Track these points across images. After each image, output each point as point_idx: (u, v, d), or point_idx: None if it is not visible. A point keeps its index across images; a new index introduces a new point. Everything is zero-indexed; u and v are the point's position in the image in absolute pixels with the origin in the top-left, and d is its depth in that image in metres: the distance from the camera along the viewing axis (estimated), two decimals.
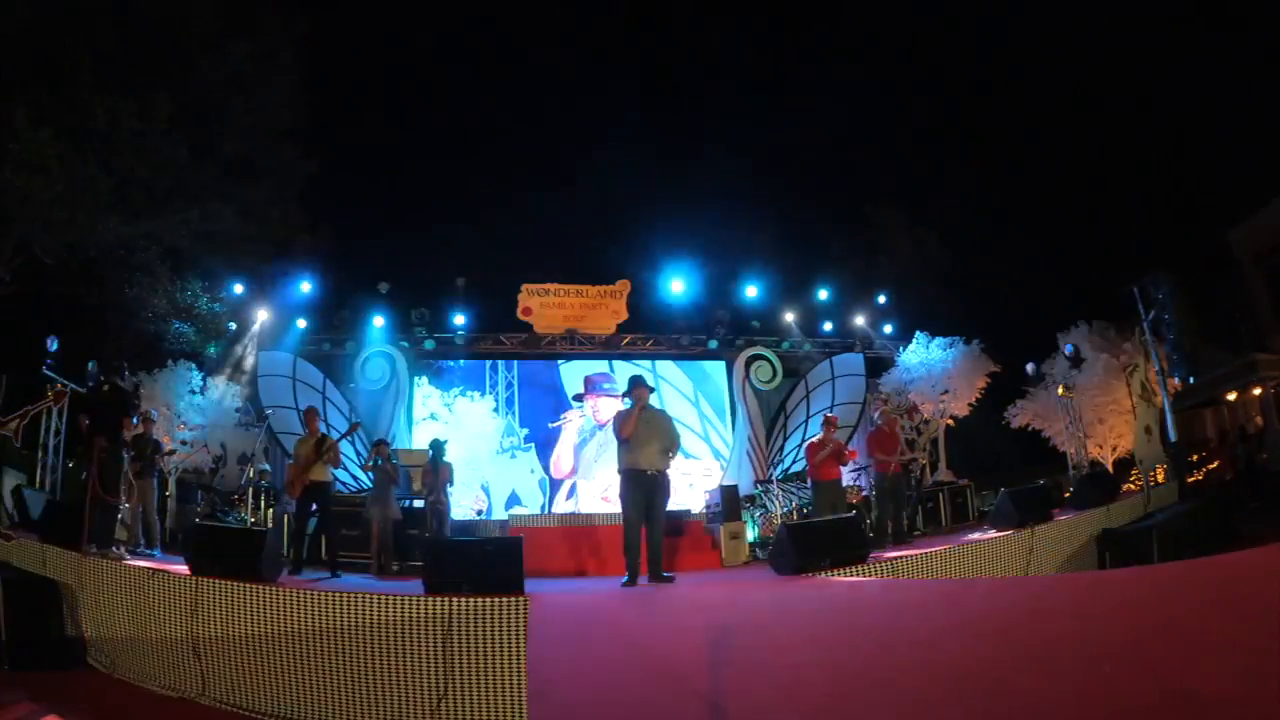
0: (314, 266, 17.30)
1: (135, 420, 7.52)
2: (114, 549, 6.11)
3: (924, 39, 28.75)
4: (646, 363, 14.48)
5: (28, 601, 4.65)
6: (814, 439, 8.36)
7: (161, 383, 10.93)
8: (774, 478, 11.84)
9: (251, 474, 10.28)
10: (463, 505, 12.66)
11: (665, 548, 6.35)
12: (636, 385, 6.20)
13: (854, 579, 4.99)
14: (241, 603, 3.61)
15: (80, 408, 7.12)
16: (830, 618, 3.67)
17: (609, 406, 13.56)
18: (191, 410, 11.08)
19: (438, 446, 8.83)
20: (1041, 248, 20.31)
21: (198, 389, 11.32)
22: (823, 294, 15.45)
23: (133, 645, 4.13)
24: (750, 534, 9.89)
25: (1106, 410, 12.02)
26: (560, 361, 14.54)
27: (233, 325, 13.16)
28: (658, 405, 6.35)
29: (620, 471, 6.10)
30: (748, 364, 14.44)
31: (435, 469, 8.66)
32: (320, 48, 13.72)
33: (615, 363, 14.55)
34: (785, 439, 13.89)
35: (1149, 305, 9.53)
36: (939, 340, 13.29)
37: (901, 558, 5.38)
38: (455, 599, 3.05)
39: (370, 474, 8.74)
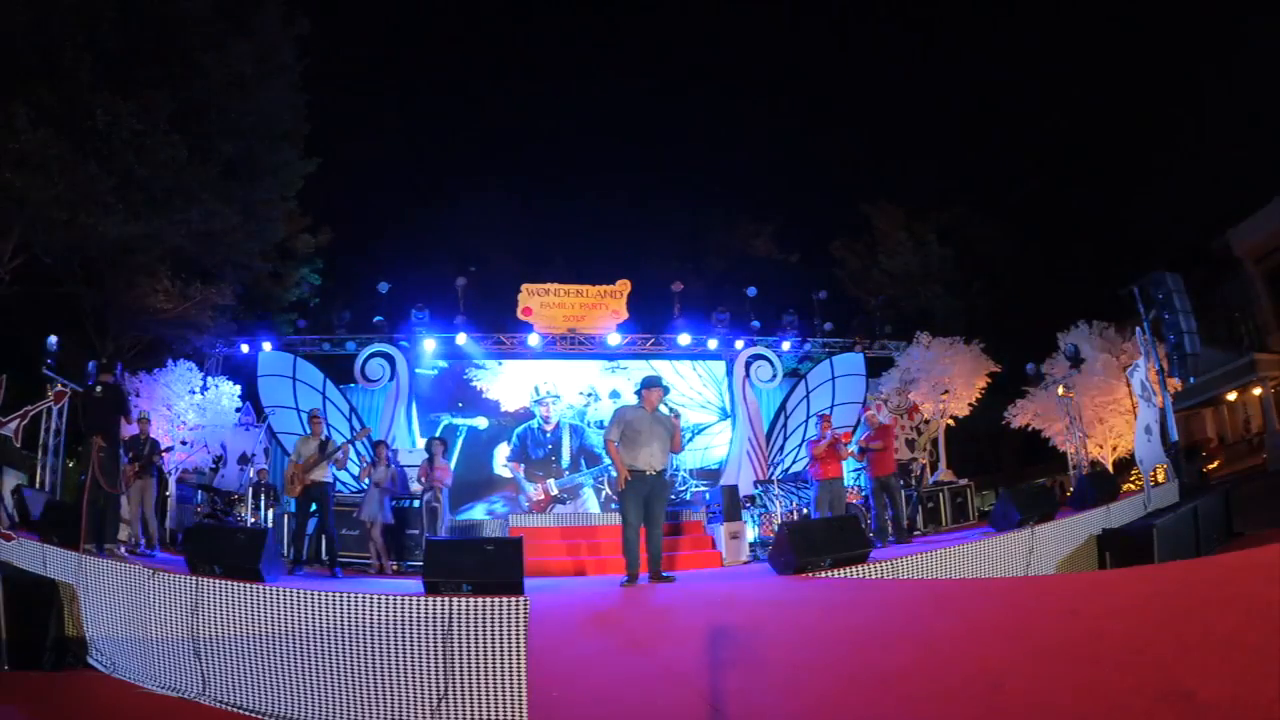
0: (314, 266, 17.39)
1: (136, 416, 7.53)
2: (118, 549, 6.12)
3: (923, 38, 28.79)
4: (646, 362, 14.48)
5: (28, 601, 4.65)
6: (814, 440, 8.45)
7: (161, 383, 10.93)
8: (774, 478, 11.84)
9: (251, 474, 10.30)
10: None
11: (665, 548, 6.34)
12: (650, 385, 6.05)
13: (854, 579, 4.99)
14: (241, 603, 3.61)
15: (75, 408, 7.11)
16: (830, 617, 3.67)
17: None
18: (191, 410, 11.08)
19: (434, 445, 8.79)
20: (1041, 247, 20.31)
21: (198, 389, 11.32)
22: (823, 294, 15.47)
23: (133, 645, 4.13)
24: (750, 534, 9.89)
25: (1106, 410, 12.01)
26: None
27: (233, 324, 13.17)
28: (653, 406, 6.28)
29: None
30: (748, 364, 14.44)
31: (431, 467, 8.64)
32: (320, 47, 13.67)
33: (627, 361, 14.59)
34: (785, 439, 13.90)
35: (1149, 305, 9.52)
36: (939, 340, 13.29)
37: (901, 558, 5.37)
38: (455, 599, 3.05)
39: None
